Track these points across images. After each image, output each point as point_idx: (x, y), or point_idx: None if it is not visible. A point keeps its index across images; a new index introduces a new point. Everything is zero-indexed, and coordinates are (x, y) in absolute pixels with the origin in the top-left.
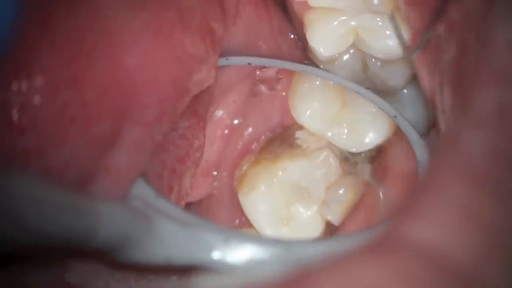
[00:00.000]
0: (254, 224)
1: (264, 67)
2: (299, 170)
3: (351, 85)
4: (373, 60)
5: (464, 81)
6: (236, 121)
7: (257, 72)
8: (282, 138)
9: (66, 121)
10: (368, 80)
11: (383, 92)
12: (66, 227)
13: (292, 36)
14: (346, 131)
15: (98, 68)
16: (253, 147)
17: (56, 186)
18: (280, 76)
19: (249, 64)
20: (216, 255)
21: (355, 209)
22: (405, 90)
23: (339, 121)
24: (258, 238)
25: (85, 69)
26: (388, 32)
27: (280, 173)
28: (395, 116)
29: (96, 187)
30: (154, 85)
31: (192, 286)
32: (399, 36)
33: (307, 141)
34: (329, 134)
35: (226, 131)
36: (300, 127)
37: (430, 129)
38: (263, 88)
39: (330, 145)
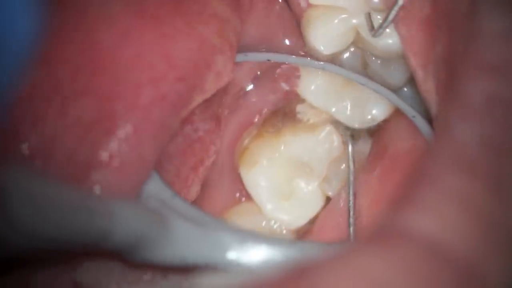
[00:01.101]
0: (255, 198)
1: (284, 63)
2: (302, 145)
3: (370, 83)
4: (373, 58)
5: (453, 72)
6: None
7: (277, 70)
8: (285, 111)
9: (40, 101)
10: (369, 78)
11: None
12: (81, 228)
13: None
14: (349, 106)
15: (70, 47)
16: (255, 120)
17: (69, 186)
18: (298, 73)
19: (268, 60)
20: (231, 255)
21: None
22: (405, 88)
23: (343, 97)
24: (274, 240)
25: (55, 48)
26: (388, 30)
27: (282, 147)
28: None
29: (98, 178)
30: (141, 63)
31: (201, 285)
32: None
33: (307, 114)
34: (333, 109)
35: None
36: (302, 101)
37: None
38: (283, 85)
39: (333, 121)
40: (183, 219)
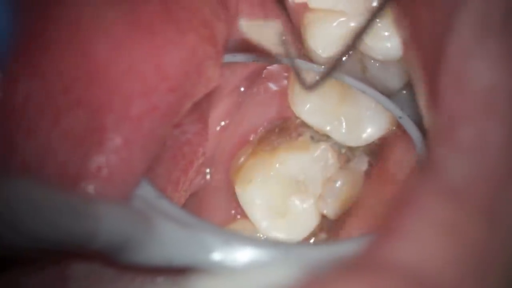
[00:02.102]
0: (250, 217)
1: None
2: (297, 163)
3: (358, 84)
4: (372, 61)
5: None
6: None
7: (264, 71)
8: (281, 129)
9: (32, 113)
10: (367, 82)
11: (382, 93)
12: (66, 230)
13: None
14: (344, 125)
15: (63, 59)
16: (251, 138)
17: (55, 188)
18: (286, 74)
19: (254, 61)
20: (216, 256)
21: (354, 208)
22: (404, 91)
23: (338, 115)
24: (258, 241)
25: (49, 60)
26: (387, 34)
27: (277, 165)
28: (400, 117)
29: (88, 189)
30: (133, 75)
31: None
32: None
33: (305, 133)
34: (328, 128)
35: (223, 123)
36: (298, 119)
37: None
38: (270, 85)
39: (328, 139)
40: (168, 220)
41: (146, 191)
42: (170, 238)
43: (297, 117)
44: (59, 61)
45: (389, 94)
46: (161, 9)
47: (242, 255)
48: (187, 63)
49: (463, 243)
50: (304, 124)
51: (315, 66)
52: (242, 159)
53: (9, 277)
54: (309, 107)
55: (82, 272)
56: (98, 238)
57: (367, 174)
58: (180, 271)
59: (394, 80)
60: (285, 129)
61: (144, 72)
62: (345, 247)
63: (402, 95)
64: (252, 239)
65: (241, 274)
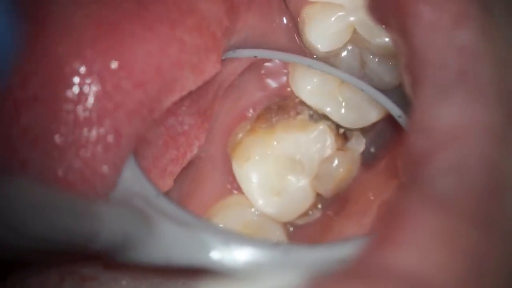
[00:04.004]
0: (246, 193)
1: (270, 60)
2: (294, 143)
3: (358, 82)
4: (371, 56)
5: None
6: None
7: (264, 64)
8: (279, 106)
9: None
10: (366, 77)
11: (380, 88)
12: (67, 230)
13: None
14: (344, 107)
15: (23, 54)
16: (249, 114)
17: (55, 188)
18: (285, 70)
19: (255, 56)
20: (215, 256)
21: (350, 205)
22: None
23: (338, 97)
24: (258, 241)
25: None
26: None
27: (275, 143)
28: (399, 116)
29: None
30: (90, 75)
31: None
32: None
33: (304, 112)
34: (328, 109)
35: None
36: (298, 97)
37: None
38: (269, 81)
39: (327, 120)
40: (167, 219)
41: (144, 188)
42: (170, 237)
43: (296, 96)
44: (21, 58)
45: (387, 89)
46: (132, 2)
47: (241, 254)
48: (156, 57)
49: (457, 250)
50: (303, 103)
51: (333, 69)
52: (240, 135)
53: (10, 283)
54: (310, 88)
55: (82, 274)
56: (99, 238)
57: (372, 164)
58: (190, 274)
59: (392, 75)
60: (284, 106)
61: (101, 72)
62: (344, 249)
63: (401, 91)
64: (251, 239)
65: (245, 281)
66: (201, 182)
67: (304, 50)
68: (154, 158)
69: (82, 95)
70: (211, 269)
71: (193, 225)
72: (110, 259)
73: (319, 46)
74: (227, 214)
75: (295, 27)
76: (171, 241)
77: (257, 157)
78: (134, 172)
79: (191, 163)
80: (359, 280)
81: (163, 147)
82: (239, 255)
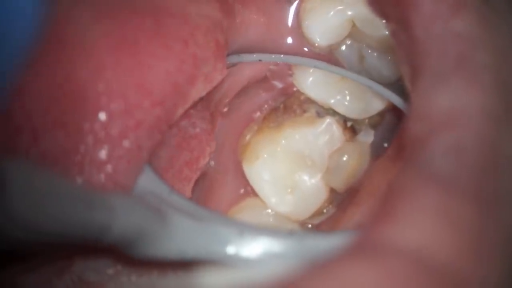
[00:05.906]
0: (259, 193)
1: (276, 63)
2: (302, 138)
3: (366, 81)
4: (370, 51)
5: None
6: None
7: (270, 67)
8: (285, 106)
9: (12, 132)
10: (365, 71)
11: (380, 83)
12: (80, 222)
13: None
14: (348, 97)
15: (45, 80)
16: (256, 116)
17: (69, 180)
18: (290, 71)
19: (259, 60)
20: (230, 249)
21: (362, 182)
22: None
23: (341, 88)
24: (272, 232)
25: (30, 80)
26: (384, 22)
27: (283, 141)
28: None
29: None
30: (112, 96)
31: (201, 281)
32: None
33: (310, 109)
34: (332, 101)
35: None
36: (302, 94)
37: None
38: (276, 83)
39: (333, 112)
40: (181, 213)
41: (157, 188)
42: (184, 231)
43: (301, 93)
44: (40, 81)
45: (386, 83)
46: (150, 21)
47: (257, 246)
48: (174, 74)
49: (456, 225)
50: (309, 100)
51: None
52: (248, 136)
53: (5, 276)
54: (312, 81)
55: (91, 268)
56: (112, 231)
57: (381, 152)
58: (188, 264)
59: (391, 70)
60: (290, 106)
61: (125, 92)
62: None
63: (399, 85)
64: (266, 230)
65: (247, 266)
66: (215, 192)
67: (304, 44)
68: (169, 158)
69: (104, 116)
70: (227, 262)
71: (207, 219)
72: (123, 254)
73: (318, 40)
74: (243, 217)
75: (295, 21)
76: (186, 234)
77: (266, 156)
78: (148, 172)
79: (203, 174)
80: (367, 257)
81: (177, 147)
82: (254, 247)
